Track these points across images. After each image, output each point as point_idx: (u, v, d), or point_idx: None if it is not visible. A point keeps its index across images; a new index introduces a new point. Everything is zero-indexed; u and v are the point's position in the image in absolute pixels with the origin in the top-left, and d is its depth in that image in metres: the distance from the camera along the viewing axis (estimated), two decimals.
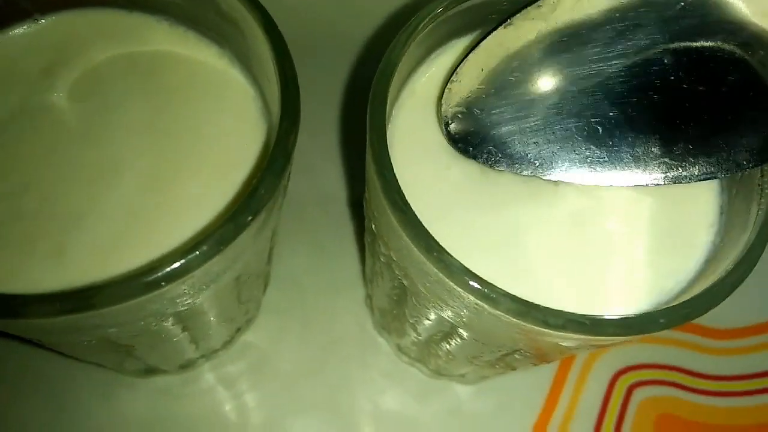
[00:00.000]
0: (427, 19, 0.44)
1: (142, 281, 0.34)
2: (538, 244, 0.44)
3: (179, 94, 0.47)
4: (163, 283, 0.34)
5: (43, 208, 0.41)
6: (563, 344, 0.39)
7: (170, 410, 0.63)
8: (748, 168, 0.41)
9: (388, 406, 0.65)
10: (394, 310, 0.54)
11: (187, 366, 0.61)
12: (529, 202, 0.45)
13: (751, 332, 0.67)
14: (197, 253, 0.35)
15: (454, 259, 0.36)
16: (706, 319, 0.68)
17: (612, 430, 0.64)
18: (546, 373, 0.66)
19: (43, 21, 0.48)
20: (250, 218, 0.36)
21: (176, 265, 0.34)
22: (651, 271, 0.43)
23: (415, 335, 0.54)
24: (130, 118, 0.45)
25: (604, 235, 0.44)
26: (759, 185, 0.41)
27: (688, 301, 0.37)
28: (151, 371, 0.60)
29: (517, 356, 0.47)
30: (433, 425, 0.65)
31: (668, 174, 0.42)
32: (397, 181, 0.38)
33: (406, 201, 0.37)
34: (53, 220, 0.41)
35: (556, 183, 0.44)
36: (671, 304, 0.37)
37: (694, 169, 0.42)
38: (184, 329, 0.47)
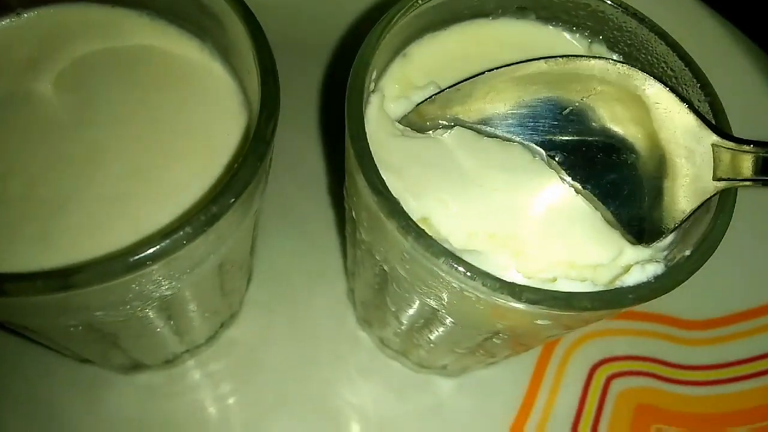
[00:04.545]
0: (400, 13, 0.45)
1: (127, 260, 0.34)
2: (516, 210, 0.45)
3: (161, 85, 0.48)
4: (147, 263, 0.35)
5: (28, 193, 0.42)
6: (539, 322, 0.40)
7: (155, 409, 0.63)
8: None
9: (371, 403, 0.66)
10: (376, 300, 0.55)
11: (171, 361, 0.61)
12: (504, 173, 0.47)
13: (724, 323, 0.69)
14: (181, 233, 0.35)
15: (432, 238, 0.37)
16: (679, 310, 0.70)
17: (591, 421, 0.65)
18: (525, 366, 0.67)
19: (27, 15, 0.49)
20: (232, 200, 0.37)
21: (161, 245, 0.35)
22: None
23: (398, 325, 0.55)
24: (114, 108, 0.46)
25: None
26: None
27: (656, 277, 0.39)
28: (135, 366, 0.60)
29: (496, 341, 0.48)
30: (415, 421, 0.65)
31: None
32: (375, 164, 0.39)
33: (384, 183, 0.38)
34: (39, 205, 0.42)
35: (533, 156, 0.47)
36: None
37: None
38: (168, 318, 0.48)
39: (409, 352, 0.62)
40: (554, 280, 0.41)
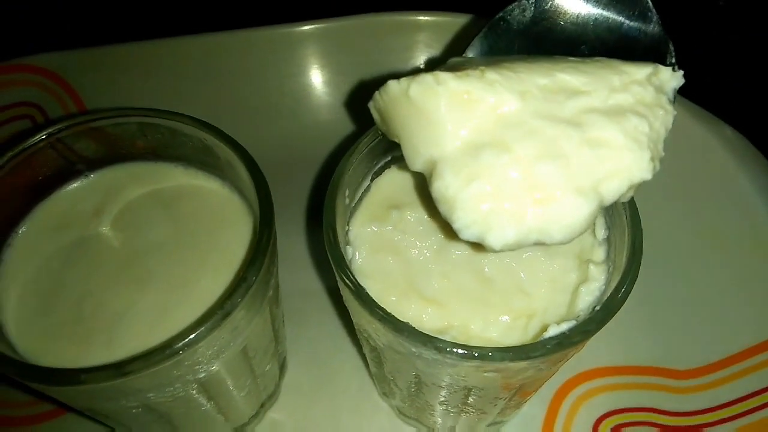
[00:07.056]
0: (366, 140, 0.59)
1: (164, 351, 0.48)
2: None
3: (194, 215, 0.64)
4: (180, 352, 0.48)
5: (97, 311, 0.57)
6: (486, 375, 0.50)
7: None
8: None
9: None
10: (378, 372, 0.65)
11: None
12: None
13: (712, 369, 0.74)
14: (203, 328, 0.49)
15: (388, 313, 0.48)
16: (671, 362, 0.76)
17: None
18: (534, 423, 0.75)
19: (92, 176, 0.66)
20: (239, 300, 0.50)
21: (189, 337, 0.48)
22: None
23: (399, 392, 0.65)
24: (158, 238, 0.62)
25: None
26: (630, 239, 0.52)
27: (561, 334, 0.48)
28: None
29: (471, 398, 0.57)
30: None
31: None
32: (346, 262, 0.51)
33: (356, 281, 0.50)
34: (105, 318, 0.56)
35: None
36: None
37: None
38: (209, 398, 0.60)
39: (421, 417, 0.71)
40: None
